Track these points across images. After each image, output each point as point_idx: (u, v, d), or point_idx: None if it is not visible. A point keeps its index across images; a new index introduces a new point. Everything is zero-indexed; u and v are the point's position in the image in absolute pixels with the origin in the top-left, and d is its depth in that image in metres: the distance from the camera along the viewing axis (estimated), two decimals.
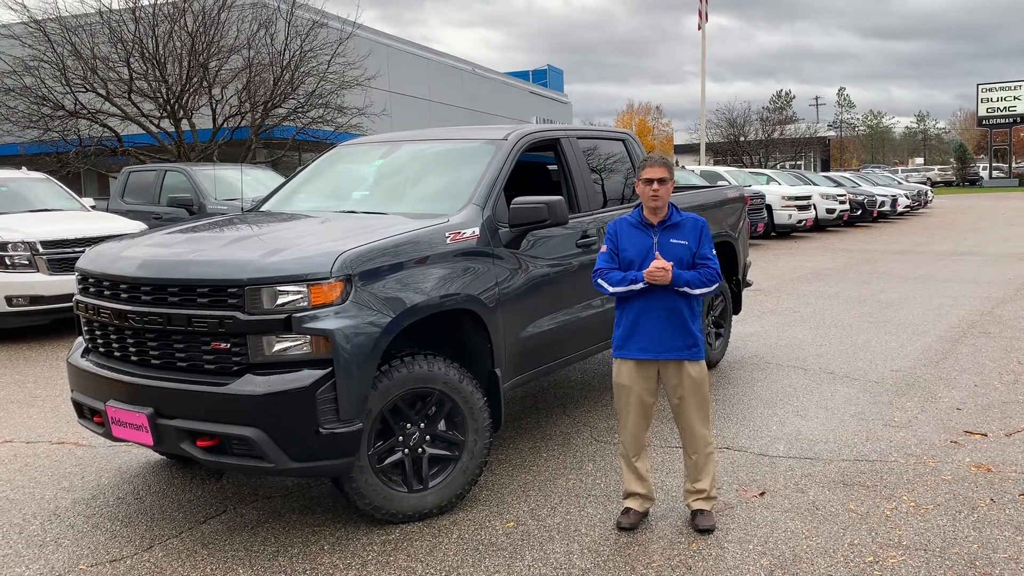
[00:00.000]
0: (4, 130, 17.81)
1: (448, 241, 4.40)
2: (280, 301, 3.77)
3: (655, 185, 4.03)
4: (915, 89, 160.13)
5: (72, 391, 4.53)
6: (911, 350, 7.95)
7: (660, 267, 3.92)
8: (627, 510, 4.21)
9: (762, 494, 4.53)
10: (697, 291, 4.03)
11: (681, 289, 4.00)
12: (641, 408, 4.15)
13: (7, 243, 9.04)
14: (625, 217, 4.22)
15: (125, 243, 4.53)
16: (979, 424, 5.68)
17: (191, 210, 11.59)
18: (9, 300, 8.96)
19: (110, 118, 18.44)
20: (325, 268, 3.81)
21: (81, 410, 4.47)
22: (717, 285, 4.12)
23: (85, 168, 19.39)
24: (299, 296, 3.78)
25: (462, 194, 4.83)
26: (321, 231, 4.54)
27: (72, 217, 10.24)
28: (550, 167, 6.73)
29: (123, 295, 4.09)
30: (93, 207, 11.79)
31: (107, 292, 4.18)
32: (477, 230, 4.60)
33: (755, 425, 5.73)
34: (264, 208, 5.59)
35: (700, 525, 4.10)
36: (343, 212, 5.04)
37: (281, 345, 3.79)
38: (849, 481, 4.68)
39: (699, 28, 34.72)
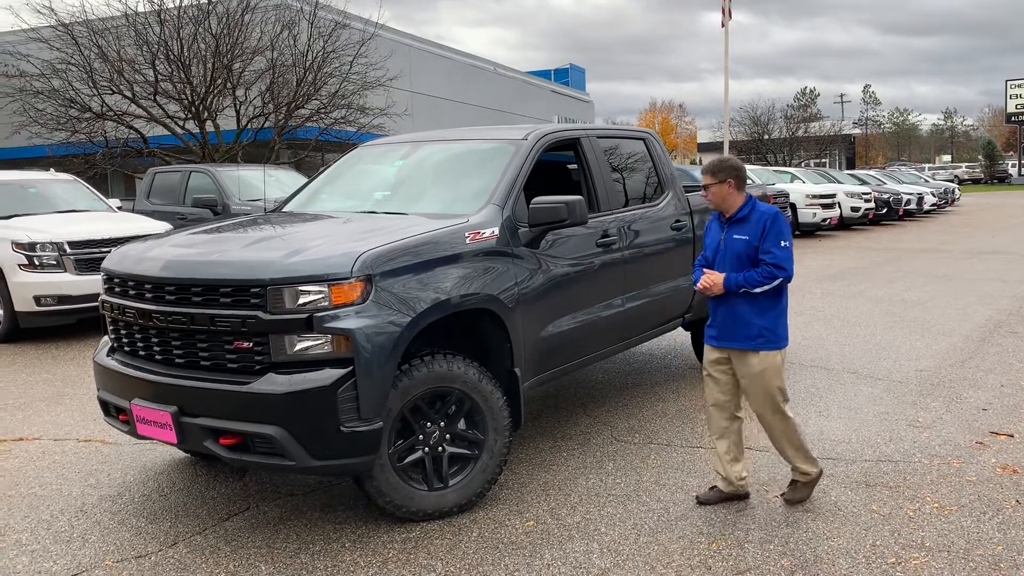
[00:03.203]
0: (33, 132, 18.07)
1: (468, 241, 4.42)
2: (301, 301, 3.81)
3: (703, 190, 4.37)
4: (938, 85, 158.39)
5: (98, 390, 4.60)
6: (936, 350, 7.87)
7: (703, 286, 4.26)
8: (712, 487, 4.51)
9: (782, 494, 4.51)
10: (758, 290, 4.15)
11: (742, 291, 4.17)
12: (714, 390, 4.42)
13: (35, 243, 9.18)
14: (715, 212, 4.48)
15: (150, 244, 4.59)
16: (1005, 425, 5.61)
17: (215, 211, 11.71)
18: (38, 300, 9.10)
19: (136, 120, 18.66)
20: (346, 268, 3.84)
21: (107, 408, 4.53)
22: (781, 280, 4.15)
23: (112, 169, 19.63)
24: (320, 296, 3.81)
25: (482, 194, 4.85)
26: (342, 231, 4.57)
27: (99, 218, 10.37)
28: (570, 167, 6.73)
29: (148, 295, 4.14)
30: (119, 208, 11.94)
31: (132, 292, 4.24)
32: (496, 230, 4.62)
33: None
34: (286, 209, 5.64)
35: (784, 496, 4.43)
36: (364, 212, 5.08)
37: (303, 344, 3.82)
38: (872, 482, 4.65)
39: (722, 26, 34.52)
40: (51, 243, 9.23)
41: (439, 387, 4.21)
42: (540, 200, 4.77)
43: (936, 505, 4.32)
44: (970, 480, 4.65)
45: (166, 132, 19.02)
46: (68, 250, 9.23)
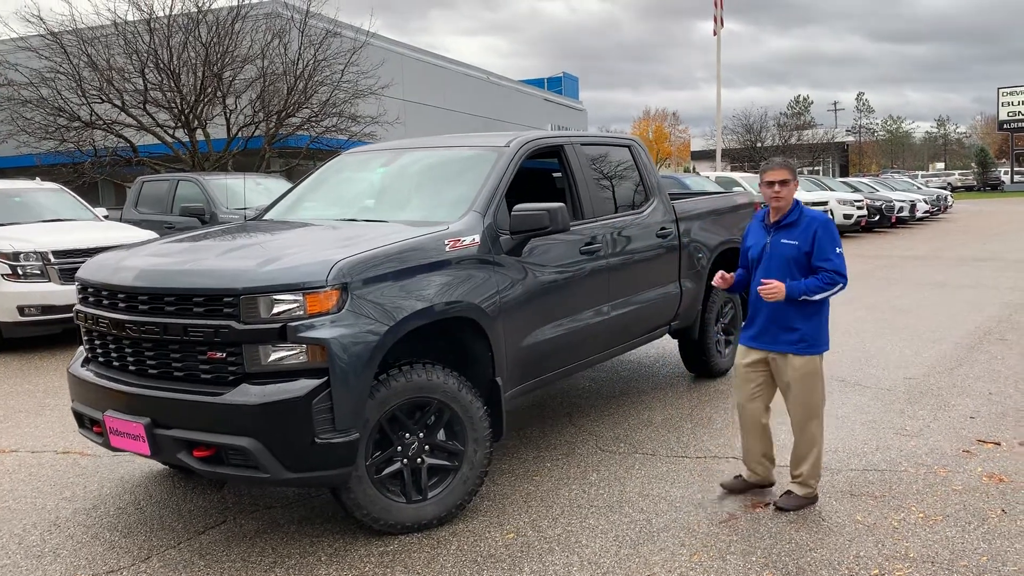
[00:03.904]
0: (21, 141, 17.98)
1: (447, 249, 4.37)
2: (276, 310, 3.74)
3: (776, 187, 4.28)
4: (931, 93, 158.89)
5: (72, 401, 4.53)
6: (925, 357, 7.83)
7: (766, 292, 4.22)
8: (737, 475, 4.65)
9: (767, 505, 4.45)
10: (818, 296, 4.24)
11: (801, 298, 4.22)
12: (745, 390, 4.50)
13: (19, 253, 9.10)
14: (757, 213, 4.54)
15: (124, 253, 4.52)
16: (993, 433, 5.56)
17: (203, 219, 11.56)
18: (21, 310, 9.01)
19: (125, 128, 18.59)
20: (321, 277, 3.79)
21: (82, 420, 4.46)
22: (841, 286, 4.24)
23: (101, 178, 19.54)
24: (295, 305, 3.75)
25: (463, 201, 4.80)
26: (319, 239, 4.51)
27: (84, 227, 10.30)
28: (555, 174, 6.69)
29: (121, 304, 4.08)
30: (106, 217, 11.87)
31: (106, 302, 4.18)
32: (477, 237, 4.56)
33: None
34: (267, 217, 5.58)
35: (776, 502, 4.41)
36: (344, 220, 5.02)
37: (277, 354, 3.76)
38: (857, 491, 4.60)
39: (714, 34, 34.62)
40: (35, 252, 9.16)
41: (418, 397, 4.15)
42: (522, 207, 4.72)
43: (921, 515, 4.27)
44: (956, 489, 4.60)
45: (156, 141, 18.95)
46: (52, 259, 9.16)
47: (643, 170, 6.38)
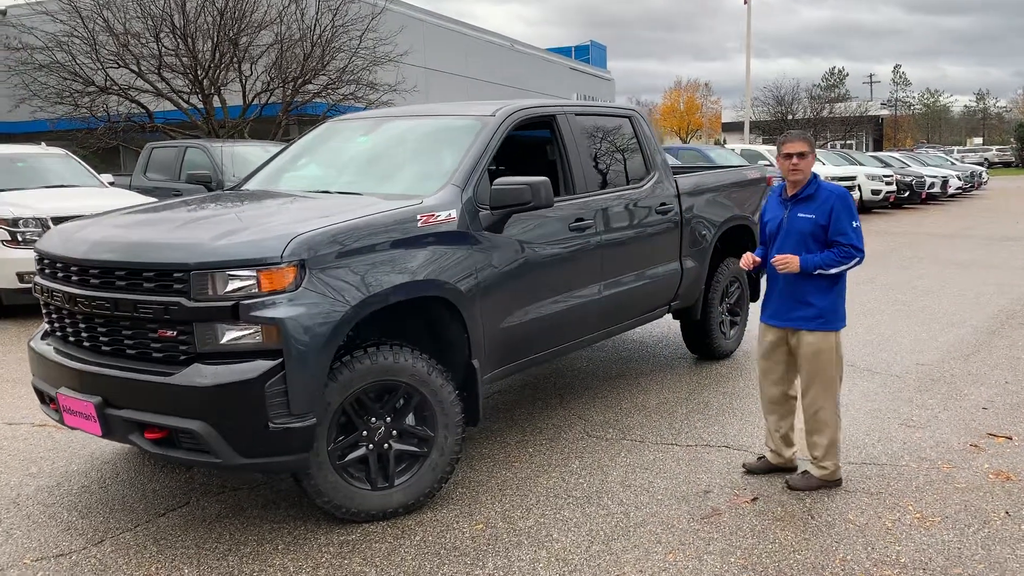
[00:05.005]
0: (36, 106, 17.91)
1: (419, 224, 4.12)
2: (229, 288, 3.54)
3: (795, 159, 4.18)
4: (970, 66, 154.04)
5: (32, 376, 4.37)
6: (942, 342, 7.50)
7: (779, 264, 4.16)
8: (761, 456, 4.60)
9: (755, 500, 4.21)
10: (834, 270, 4.15)
11: (816, 272, 4.12)
12: (766, 368, 4.44)
13: (19, 219, 9.00)
14: (774, 188, 4.46)
15: (85, 223, 4.34)
16: (1005, 426, 5.26)
17: (209, 187, 11.42)
18: (20, 276, 8.90)
19: (142, 94, 18.46)
20: (276, 252, 3.57)
21: (42, 396, 4.30)
22: (858, 260, 4.15)
23: (114, 144, 19.45)
24: (249, 282, 3.54)
25: (442, 174, 4.55)
26: (284, 212, 4.29)
27: (87, 194, 10.17)
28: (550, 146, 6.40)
29: (74, 278, 3.90)
30: (111, 183, 11.75)
31: (60, 274, 4.00)
32: (454, 213, 4.32)
33: (759, 423, 5.36)
34: (247, 186, 5.37)
35: (789, 480, 4.34)
36: (318, 192, 4.79)
37: (232, 334, 3.56)
38: (852, 487, 4.33)
39: (744, 2, 33.79)
40: (34, 219, 9.04)
41: (384, 380, 3.94)
42: (502, 181, 4.47)
43: (918, 515, 4.00)
44: (959, 487, 4.32)
45: (173, 107, 18.81)
46: (52, 226, 9.02)
47: (644, 143, 6.08)
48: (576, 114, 5.55)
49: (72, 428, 4.00)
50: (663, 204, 5.98)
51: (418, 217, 4.14)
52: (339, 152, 5.49)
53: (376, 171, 5.08)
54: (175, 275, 3.57)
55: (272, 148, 13.48)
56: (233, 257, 3.56)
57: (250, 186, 5.33)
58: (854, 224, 4.16)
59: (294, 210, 4.32)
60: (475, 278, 4.34)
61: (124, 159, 25.40)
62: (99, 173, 14.42)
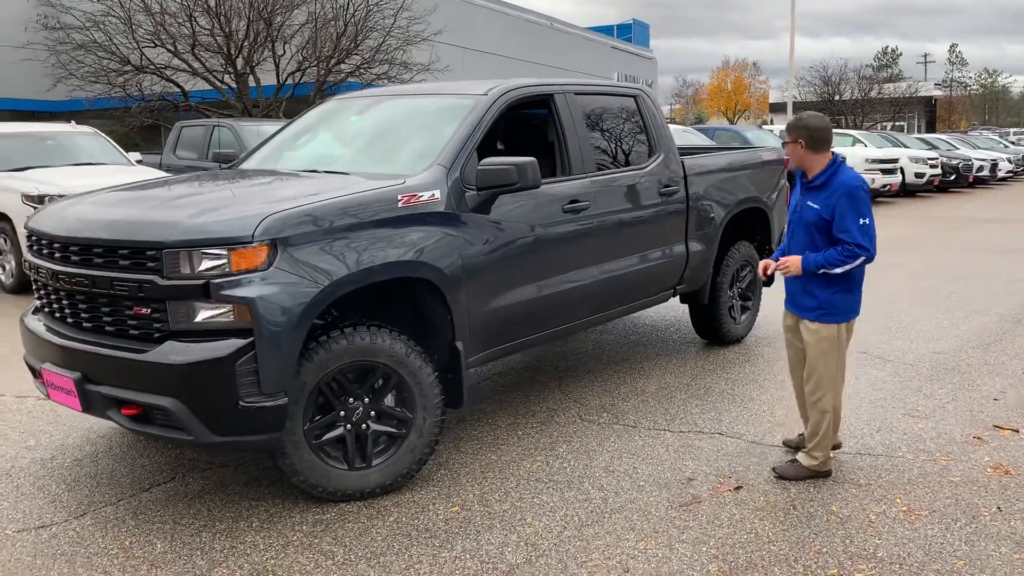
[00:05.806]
0: (74, 85, 18.25)
1: (400, 204, 4.09)
2: (202, 266, 3.55)
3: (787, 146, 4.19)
4: None
5: (24, 351, 4.45)
6: (963, 330, 7.28)
7: (781, 268, 4.16)
8: (801, 433, 4.55)
9: (738, 488, 4.13)
10: (838, 269, 4.00)
11: (820, 271, 4.03)
12: (790, 351, 4.45)
13: (43, 196, 9.16)
14: (797, 172, 4.32)
15: (73, 201, 4.39)
16: (1014, 418, 5.09)
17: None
18: None
19: (177, 73, 18.68)
20: (247, 231, 3.57)
21: (34, 371, 4.38)
22: (864, 259, 3.99)
23: (149, 123, 19.74)
24: (222, 261, 3.55)
25: (429, 154, 4.51)
26: (266, 191, 4.30)
27: (113, 171, 10.31)
28: None
29: (56, 255, 3.95)
30: (139, 161, 11.92)
31: (45, 251, 4.06)
32: (438, 193, 4.28)
33: (758, 410, 5.29)
34: (244, 165, 5.39)
35: (776, 468, 4.30)
36: (306, 171, 4.79)
37: (205, 313, 3.57)
38: (841, 478, 4.23)
39: None
40: (60, 196, 9.18)
41: (362, 361, 3.93)
42: (488, 161, 4.41)
43: (904, 508, 3.89)
44: (952, 480, 4.19)
45: (208, 87, 19.01)
46: None
47: (649, 123, 5.96)
48: (576, 93, 5.46)
49: (58, 403, 4.07)
50: (667, 186, 5.86)
51: (399, 197, 4.11)
52: (334, 131, 5.48)
53: (369, 150, 5.06)
54: (148, 253, 3.59)
55: None
56: (205, 236, 3.57)
57: (249, 164, 5.35)
58: (860, 221, 3.94)
59: (275, 189, 4.32)
60: (459, 259, 4.30)
61: (164, 137, 25.82)
62: (140, 151, 14.69)
